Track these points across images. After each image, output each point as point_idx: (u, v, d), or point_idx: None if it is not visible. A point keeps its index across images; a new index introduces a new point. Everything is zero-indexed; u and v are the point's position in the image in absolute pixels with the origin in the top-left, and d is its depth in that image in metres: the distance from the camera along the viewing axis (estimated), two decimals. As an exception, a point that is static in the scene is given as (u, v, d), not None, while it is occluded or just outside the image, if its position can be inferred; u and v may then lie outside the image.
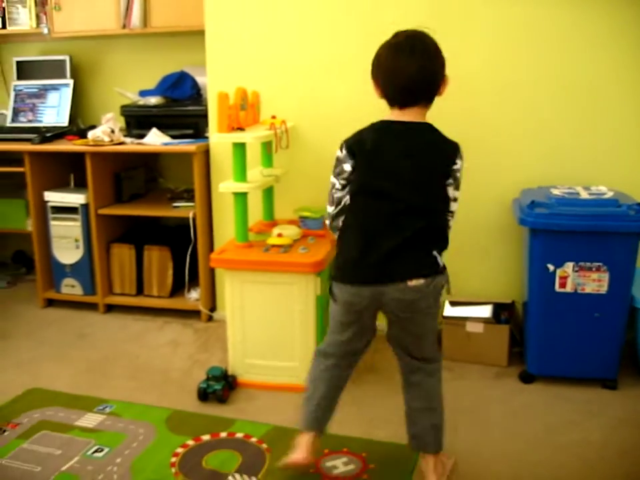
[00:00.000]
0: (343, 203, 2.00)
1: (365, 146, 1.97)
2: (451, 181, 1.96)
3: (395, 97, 1.99)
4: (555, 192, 2.69)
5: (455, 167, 1.97)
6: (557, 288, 2.61)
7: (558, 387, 2.71)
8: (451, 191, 1.98)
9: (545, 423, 2.46)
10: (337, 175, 2.01)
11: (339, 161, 2.01)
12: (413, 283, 1.90)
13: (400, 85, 1.96)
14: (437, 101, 2.98)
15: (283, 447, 2.30)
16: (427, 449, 2.08)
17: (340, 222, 2.01)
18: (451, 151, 1.99)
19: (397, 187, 1.91)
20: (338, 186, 2.01)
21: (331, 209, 2.04)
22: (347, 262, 1.97)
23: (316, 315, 2.66)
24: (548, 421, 2.47)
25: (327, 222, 2.08)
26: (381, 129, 2.01)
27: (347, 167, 1.98)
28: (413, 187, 1.91)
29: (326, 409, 2.13)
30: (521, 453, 2.27)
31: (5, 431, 2.44)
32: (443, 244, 1.99)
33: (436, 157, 1.97)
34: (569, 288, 2.61)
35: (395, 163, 1.93)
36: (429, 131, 2.01)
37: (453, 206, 2.01)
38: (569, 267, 2.58)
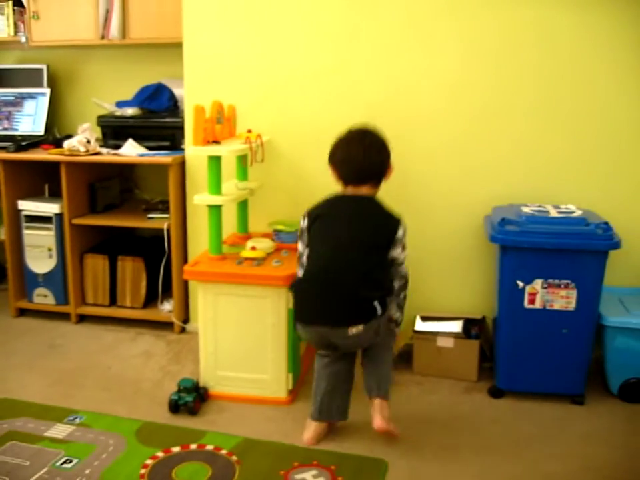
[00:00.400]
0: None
1: (318, 215, 2.43)
2: (394, 247, 2.39)
3: (347, 178, 2.44)
4: (525, 210, 2.74)
5: (397, 236, 2.39)
6: (526, 304, 2.66)
7: (526, 402, 2.74)
8: (397, 253, 2.40)
9: (513, 437, 2.49)
10: (301, 241, 2.47)
11: (301, 229, 2.47)
12: (353, 330, 2.28)
13: (351, 169, 2.43)
14: (412, 121, 3.06)
15: (253, 459, 2.33)
16: (371, 393, 2.42)
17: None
18: (391, 224, 2.40)
19: (337, 249, 2.34)
20: (301, 250, 2.47)
21: (300, 273, 2.46)
22: (302, 306, 2.39)
23: (288, 328, 2.67)
24: (515, 436, 2.50)
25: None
26: (333, 200, 2.46)
27: (305, 233, 2.45)
28: (353, 248, 2.33)
29: (331, 402, 2.46)
30: (488, 467, 2.29)
31: (-28, 441, 2.42)
32: (383, 293, 2.35)
33: (375, 226, 2.40)
34: (537, 304, 2.65)
35: (339, 229, 2.37)
36: (372, 203, 2.44)
37: (401, 257, 2.42)
38: (537, 283, 2.63)
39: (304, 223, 2.45)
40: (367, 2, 3.01)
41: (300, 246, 2.47)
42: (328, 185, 3.10)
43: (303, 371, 2.96)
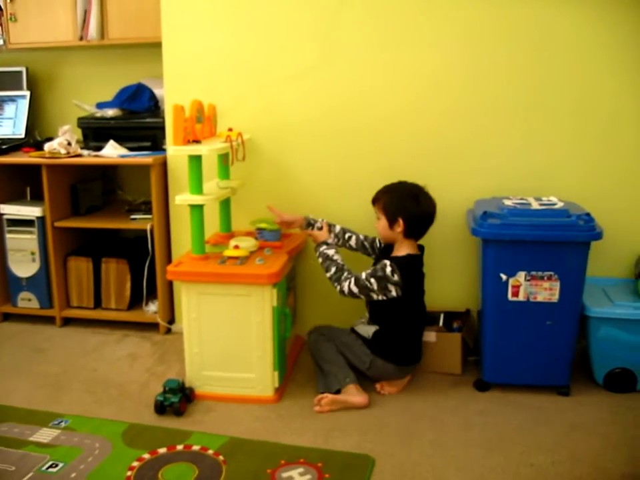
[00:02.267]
0: None
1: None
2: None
3: (421, 234, 2.80)
4: (507, 202, 2.74)
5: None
6: (510, 297, 2.66)
7: (512, 394, 2.75)
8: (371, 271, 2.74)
9: (499, 429, 2.50)
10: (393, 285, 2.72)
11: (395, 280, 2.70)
12: None
13: (428, 224, 2.78)
14: (393, 116, 3.07)
15: (240, 458, 2.32)
16: (318, 388, 2.75)
17: None
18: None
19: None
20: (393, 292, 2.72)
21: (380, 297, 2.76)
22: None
23: (273, 326, 2.67)
24: (501, 428, 2.51)
25: None
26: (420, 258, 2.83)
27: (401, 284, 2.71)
28: None
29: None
30: (475, 460, 2.30)
31: (-43, 448, 2.41)
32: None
33: None
34: (521, 297, 2.66)
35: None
36: None
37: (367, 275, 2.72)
38: (521, 276, 2.63)
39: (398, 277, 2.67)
40: (344, 1, 3.01)
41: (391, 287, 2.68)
42: (309, 182, 3.12)
43: (289, 369, 2.96)
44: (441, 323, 2.95)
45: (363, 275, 2.68)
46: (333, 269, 2.72)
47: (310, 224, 2.96)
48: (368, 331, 2.80)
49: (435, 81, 3.00)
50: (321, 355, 2.83)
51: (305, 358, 3.08)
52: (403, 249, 2.75)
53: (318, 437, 2.46)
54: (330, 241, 2.86)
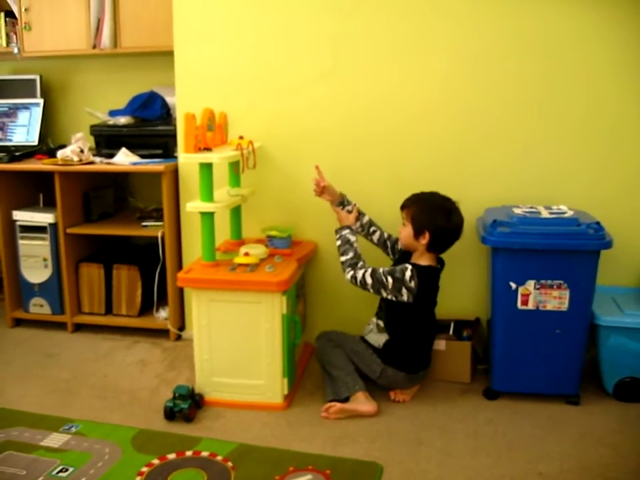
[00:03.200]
0: None
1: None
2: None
3: (445, 248, 2.76)
4: (517, 211, 2.75)
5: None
6: (519, 305, 2.66)
7: (521, 403, 2.75)
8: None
9: (508, 438, 2.49)
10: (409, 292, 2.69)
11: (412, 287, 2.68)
12: None
13: (455, 239, 2.72)
14: (404, 124, 3.08)
15: (249, 464, 2.33)
16: (326, 396, 2.75)
17: None
18: None
19: None
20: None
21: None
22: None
23: (282, 334, 2.68)
24: (510, 436, 2.50)
25: None
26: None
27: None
28: None
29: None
30: (483, 468, 2.30)
31: (-32, 452, 2.43)
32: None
33: None
34: (530, 305, 2.66)
35: None
36: None
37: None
38: (530, 284, 2.63)
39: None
40: (356, 8, 3.03)
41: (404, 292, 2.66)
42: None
43: (298, 376, 2.97)
44: (451, 332, 2.95)
45: (381, 270, 2.65)
46: (351, 254, 2.70)
47: (342, 203, 2.93)
48: (379, 340, 2.79)
49: (445, 90, 3.01)
50: (329, 360, 2.82)
51: (314, 365, 3.09)
52: (424, 260, 2.72)
53: (326, 444, 2.46)
54: (354, 227, 2.84)
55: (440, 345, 2.90)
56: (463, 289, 3.15)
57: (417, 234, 2.67)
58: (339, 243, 2.77)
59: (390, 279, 2.63)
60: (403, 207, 2.75)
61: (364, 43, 3.06)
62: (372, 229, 2.95)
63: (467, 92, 2.99)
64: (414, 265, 2.66)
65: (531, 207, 2.82)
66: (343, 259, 2.72)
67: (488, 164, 3.03)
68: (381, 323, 2.81)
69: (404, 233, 2.73)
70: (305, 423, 2.63)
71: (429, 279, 2.69)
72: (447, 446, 2.45)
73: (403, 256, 2.85)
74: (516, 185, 3.02)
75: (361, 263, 2.69)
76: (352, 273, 2.67)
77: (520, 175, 3.01)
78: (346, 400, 2.68)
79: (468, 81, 2.99)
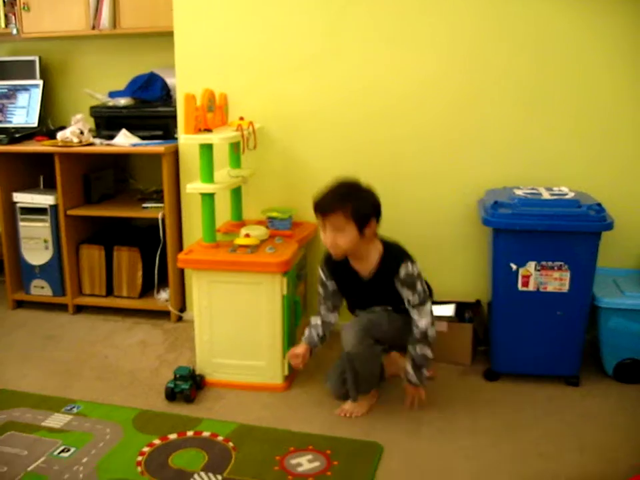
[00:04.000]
0: None
1: None
2: None
3: None
4: (518, 192, 2.74)
5: None
6: (520, 287, 2.66)
7: (522, 384, 2.75)
8: None
9: (507, 419, 2.50)
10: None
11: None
12: None
13: None
14: (403, 105, 3.06)
15: (249, 444, 2.34)
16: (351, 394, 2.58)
17: None
18: None
19: None
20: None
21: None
22: None
23: (283, 315, 2.68)
24: (510, 417, 2.51)
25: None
26: None
27: None
28: None
29: None
30: (483, 449, 2.31)
31: (-30, 432, 2.44)
32: None
33: None
34: (531, 287, 2.66)
35: None
36: None
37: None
38: (531, 266, 2.63)
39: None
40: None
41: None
42: (321, 170, 3.11)
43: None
44: (453, 313, 2.95)
45: (427, 306, 2.45)
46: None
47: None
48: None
49: (443, 71, 2.99)
50: (371, 371, 2.54)
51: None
52: (376, 248, 2.46)
53: (326, 425, 2.47)
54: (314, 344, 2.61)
55: (442, 326, 2.90)
56: (463, 271, 3.15)
57: (362, 227, 2.34)
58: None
59: (421, 289, 2.43)
60: (328, 213, 2.33)
61: (364, 24, 3.03)
62: (318, 336, 2.62)
63: (466, 73, 2.97)
64: (403, 254, 2.45)
65: (532, 189, 2.81)
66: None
67: (488, 146, 3.01)
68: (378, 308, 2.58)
69: (345, 238, 2.34)
70: (305, 404, 2.64)
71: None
72: (447, 426, 2.46)
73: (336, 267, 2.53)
74: (517, 167, 3.00)
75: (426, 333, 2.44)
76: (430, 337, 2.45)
77: (521, 156, 3.00)
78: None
79: (466, 63, 2.97)
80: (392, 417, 2.53)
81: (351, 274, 2.49)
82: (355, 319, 2.55)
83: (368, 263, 2.45)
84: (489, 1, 2.90)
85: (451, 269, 3.14)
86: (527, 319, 2.70)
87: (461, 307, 2.99)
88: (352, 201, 2.32)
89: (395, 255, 2.44)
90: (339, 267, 2.50)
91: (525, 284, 2.66)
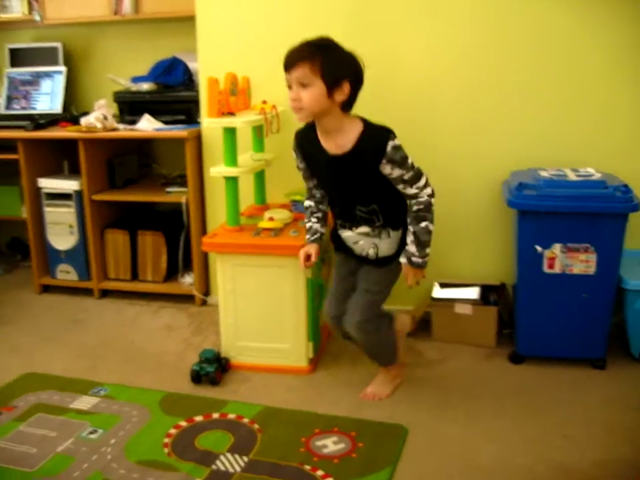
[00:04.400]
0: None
1: None
2: None
3: (354, 103, 2.22)
4: (543, 174, 2.71)
5: None
6: (545, 269, 2.64)
7: (547, 368, 2.74)
8: None
9: (533, 401, 2.49)
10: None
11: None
12: None
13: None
14: (428, 86, 3.01)
15: (275, 426, 2.35)
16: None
17: None
18: None
19: None
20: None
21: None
22: None
23: (307, 298, 2.69)
24: (536, 400, 2.50)
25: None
26: None
27: None
28: None
29: None
30: (508, 431, 2.30)
31: (1, 414, 2.47)
32: None
33: None
34: (557, 269, 2.64)
35: None
36: None
37: None
38: (556, 248, 2.61)
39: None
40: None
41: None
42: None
43: (324, 340, 2.98)
44: (478, 296, 2.94)
45: (411, 173, 2.17)
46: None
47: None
48: (388, 248, 2.35)
49: (471, 50, 2.96)
50: (387, 341, 2.53)
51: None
52: (354, 126, 2.17)
53: (352, 407, 2.48)
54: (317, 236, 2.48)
55: (466, 309, 2.89)
56: (488, 254, 3.13)
57: (332, 88, 2.07)
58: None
59: (411, 163, 2.17)
60: (294, 64, 2.09)
61: (388, 3, 3.01)
62: (318, 230, 2.49)
63: (494, 53, 2.94)
64: (389, 130, 2.17)
65: (558, 170, 2.78)
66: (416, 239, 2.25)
67: (514, 127, 2.99)
68: (366, 229, 2.32)
69: (310, 95, 2.07)
70: (330, 386, 2.65)
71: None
72: (471, 409, 2.45)
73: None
74: (543, 149, 2.97)
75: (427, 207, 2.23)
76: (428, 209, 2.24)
77: (547, 138, 2.97)
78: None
79: (495, 42, 2.93)
80: (417, 399, 2.53)
81: (321, 153, 2.23)
82: (336, 291, 2.50)
83: (343, 139, 2.16)
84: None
85: (475, 251, 3.12)
86: (552, 301, 2.68)
87: (485, 290, 2.98)
88: (322, 55, 2.06)
89: (378, 132, 2.16)
90: (305, 143, 2.30)
91: (551, 266, 2.64)
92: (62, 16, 3.81)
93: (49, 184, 3.62)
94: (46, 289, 3.79)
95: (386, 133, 2.13)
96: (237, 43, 3.20)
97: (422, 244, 2.24)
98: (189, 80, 3.62)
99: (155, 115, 3.49)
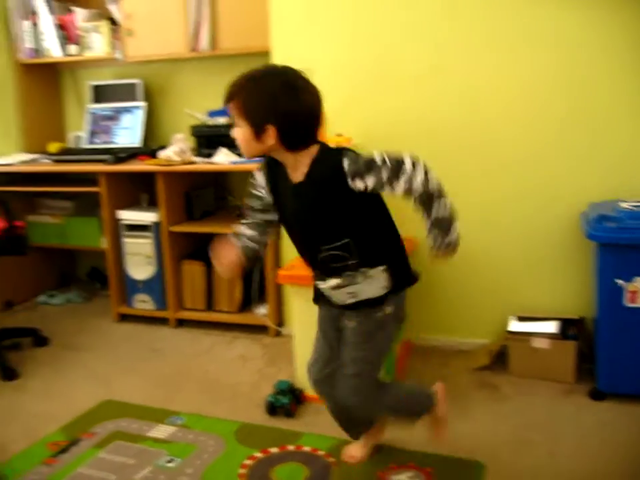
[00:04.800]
0: None
1: None
2: None
3: (304, 141, 1.89)
4: (624, 205, 2.65)
5: None
6: (627, 303, 2.57)
7: (630, 405, 2.65)
8: None
9: (615, 440, 2.42)
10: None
11: None
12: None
13: (315, 126, 1.92)
14: (506, 120, 2.98)
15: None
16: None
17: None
18: None
19: None
20: None
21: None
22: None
23: (381, 330, 2.67)
24: (618, 439, 2.42)
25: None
26: None
27: None
28: None
29: None
30: (590, 473, 2.23)
31: (81, 440, 2.53)
32: None
33: None
34: (639, 302, 2.56)
35: None
36: None
37: None
38: (638, 281, 2.54)
39: None
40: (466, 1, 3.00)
41: None
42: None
43: (398, 372, 2.95)
44: (556, 330, 2.87)
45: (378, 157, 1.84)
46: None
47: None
48: (374, 290, 1.98)
49: (548, 81, 2.93)
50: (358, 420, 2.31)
51: (413, 363, 3.08)
52: (311, 153, 1.88)
53: (427, 442, 2.44)
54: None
55: (544, 343, 2.83)
56: (566, 286, 3.06)
57: (258, 132, 1.80)
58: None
59: (382, 157, 1.84)
60: (228, 100, 1.86)
61: (465, 38, 3.01)
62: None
63: (571, 83, 2.91)
64: (342, 149, 1.93)
65: (638, 201, 2.71)
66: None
67: (591, 158, 2.93)
68: (337, 280, 1.98)
69: (240, 136, 1.85)
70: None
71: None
72: (551, 447, 2.39)
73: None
74: (621, 179, 2.90)
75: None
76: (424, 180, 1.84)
77: (625, 168, 2.90)
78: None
79: (572, 72, 2.90)
80: (494, 434, 2.48)
81: (286, 180, 1.94)
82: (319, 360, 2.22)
83: (301, 169, 1.89)
84: (597, 7, 2.83)
85: (552, 284, 3.06)
86: (634, 335, 2.60)
87: (564, 324, 2.91)
88: (244, 94, 1.81)
89: (331, 153, 1.90)
90: (274, 166, 1.97)
91: (632, 300, 2.57)
92: (142, 53, 3.93)
93: (128, 216, 3.72)
94: (123, 317, 3.89)
95: (337, 153, 1.86)
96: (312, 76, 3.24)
97: (445, 227, 1.83)
98: (263, 114, 3.68)
99: (230, 148, 3.55)
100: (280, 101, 1.78)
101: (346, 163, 1.81)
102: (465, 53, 3.02)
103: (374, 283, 1.96)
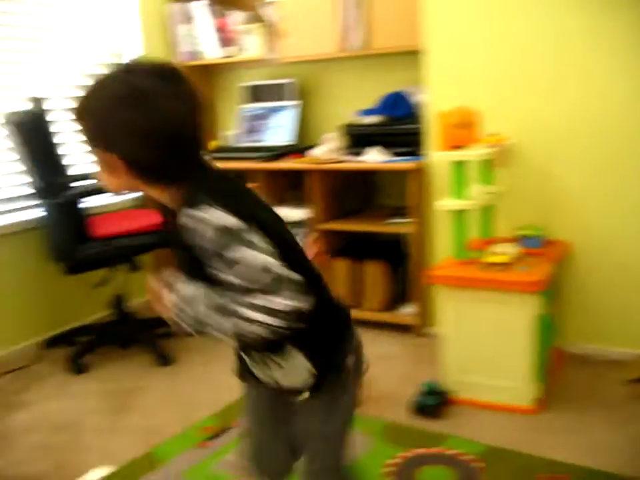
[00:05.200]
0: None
1: None
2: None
3: (180, 167, 1.37)
4: None
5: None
6: None
7: None
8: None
9: None
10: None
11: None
12: None
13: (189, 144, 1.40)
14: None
15: (498, 467, 2.30)
16: None
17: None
18: None
19: None
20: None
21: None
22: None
23: (536, 335, 2.61)
24: None
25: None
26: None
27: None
28: None
29: None
30: None
31: (231, 429, 2.62)
32: None
33: None
34: None
35: None
36: None
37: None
38: None
39: None
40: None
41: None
42: (578, 189, 2.98)
43: (553, 381, 2.85)
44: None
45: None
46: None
47: None
48: (280, 381, 1.51)
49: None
50: None
51: (566, 372, 2.97)
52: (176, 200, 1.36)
53: (578, 453, 2.34)
54: None
55: None
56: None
57: (105, 163, 1.34)
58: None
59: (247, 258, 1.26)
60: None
61: (622, 40, 2.86)
62: None
63: None
64: (202, 198, 1.29)
65: None
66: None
67: None
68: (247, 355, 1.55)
69: (101, 174, 1.38)
70: (557, 430, 2.53)
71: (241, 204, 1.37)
72: None
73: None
74: None
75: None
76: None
77: None
78: None
79: None
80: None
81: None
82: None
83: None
84: None
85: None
86: None
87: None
88: (83, 116, 1.33)
89: (186, 199, 1.32)
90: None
91: None
92: (294, 54, 4.00)
93: (281, 213, 3.79)
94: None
95: (191, 201, 1.30)
96: (466, 75, 3.19)
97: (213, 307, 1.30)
98: (413, 113, 3.67)
99: (380, 147, 3.56)
100: (117, 116, 1.27)
101: (183, 219, 1.28)
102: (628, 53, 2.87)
103: (291, 369, 1.47)
